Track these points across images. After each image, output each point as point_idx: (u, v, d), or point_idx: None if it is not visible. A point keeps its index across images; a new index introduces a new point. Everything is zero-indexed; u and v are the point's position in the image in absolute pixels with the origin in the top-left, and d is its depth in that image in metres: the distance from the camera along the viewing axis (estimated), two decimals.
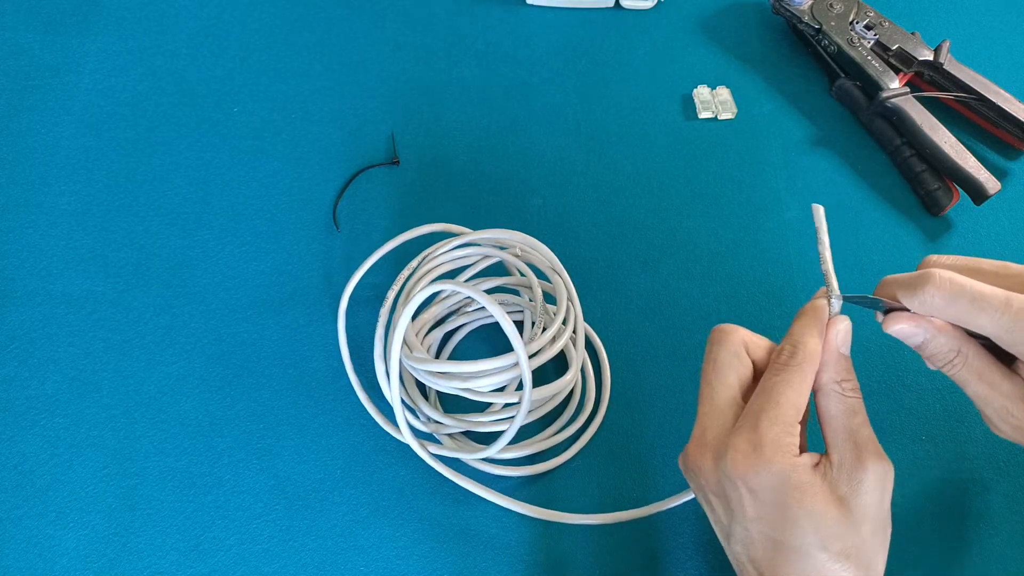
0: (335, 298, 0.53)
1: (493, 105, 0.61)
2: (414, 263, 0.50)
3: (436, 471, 0.47)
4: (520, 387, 0.48)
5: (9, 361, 0.51)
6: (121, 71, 0.62)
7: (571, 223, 0.57)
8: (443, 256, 0.50)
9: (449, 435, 0.49)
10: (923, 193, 0.58)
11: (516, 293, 0.52)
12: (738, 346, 0.38)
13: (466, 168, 0.59)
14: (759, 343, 0.39)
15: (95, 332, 0.52)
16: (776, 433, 0.34)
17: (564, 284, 0.49)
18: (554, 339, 0.46)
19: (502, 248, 0.51)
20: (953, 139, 0.57)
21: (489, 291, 0.52)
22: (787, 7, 0.62)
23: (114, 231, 0.56)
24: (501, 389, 0.48)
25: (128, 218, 0.56)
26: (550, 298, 0.51)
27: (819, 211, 0.38)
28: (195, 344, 0.52)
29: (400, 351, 0.45)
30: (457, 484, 0.47)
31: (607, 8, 0.66)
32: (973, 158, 0.56)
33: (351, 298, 0.52)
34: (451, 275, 0.52)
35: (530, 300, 0.52)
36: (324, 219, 0.57)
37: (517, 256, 0.50)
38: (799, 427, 0.35)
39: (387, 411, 0.50)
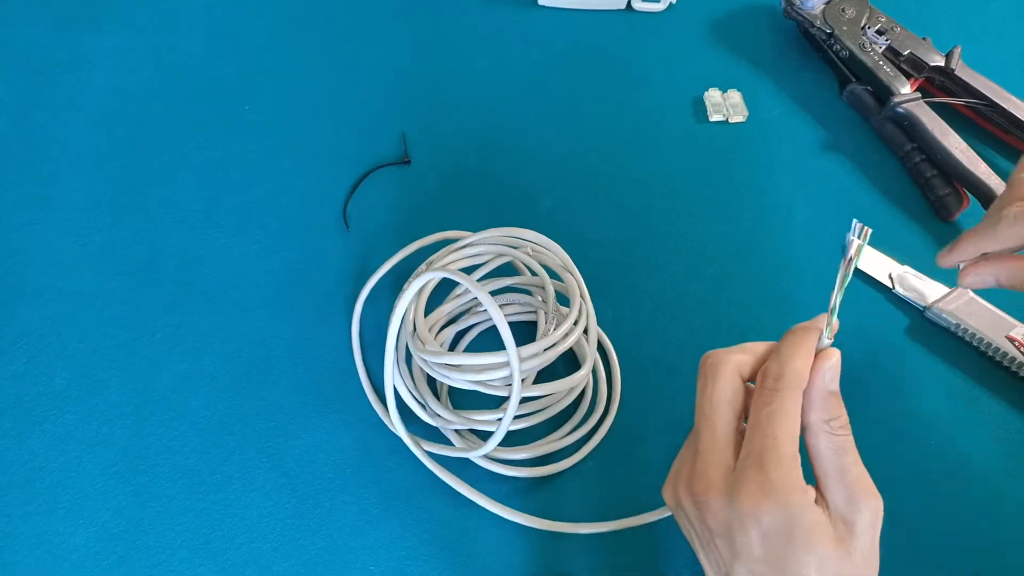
0: (345, 297, 0.53)
1: (504, 106, 0.61)
2: (431, 258, 0.50)
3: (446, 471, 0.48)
4: (536, 381, 0.48)
5: (19, 358, 0.51)
6: (132, 68, 0.62)
7: (581, 225, 0.57)
8: (456, 255, 0.50)
9: (457, 432, 0.49)
10: (933, 198, 0.58)
11: (528, 293, 0.52)
12: (732, 375, 0.37)
13: (477, 168, 0.59)
14: (752, 363, 0.37)
15: (105, 329, 0.52)
16: (783, 472, 0.34)
17: (576, 284, 0.49)
18: (566, 335, 0.46)
19: (514, 247, 0.51)
20: (964, 145, 0.57)
21: (500, 291, 0.52)
22: (799, 11, 0.62)
23: (124, 229, 0.55)
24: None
25: (138, 216, 0.56)
26: (563, 299, 0.51)
27: (862, 234, 0.34)
28: (205, 342, 0.52)
29: (398, 331, 0.45)
30: (457, 489, 0.47)
31: (619, 10, 0.66)
32: (984, 164, 0.56)
33: (359, 299, 0.52)
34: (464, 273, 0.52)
35: (542, 300, 0.52)
36: (335, 218, 0.57)
37: (529, 255, 0.50)
38: (799, 456, 0.35)
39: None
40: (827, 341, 0.36)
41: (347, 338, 0.52)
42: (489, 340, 0.52)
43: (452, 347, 0.52)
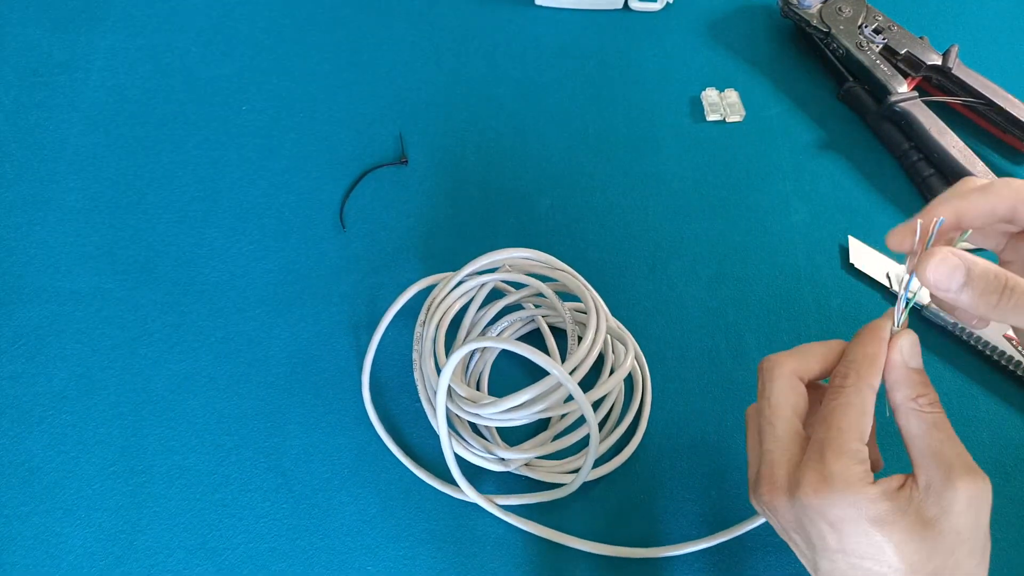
0: (343, 297, 0.53)
1: (502, 106, 0.61)
2: (422, 316, 0.50)
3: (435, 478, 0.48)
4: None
5: (17, 358, 0.51)
6: (130, 68, 0.62)
7: (580, 225, 0.57)
8: (446, 302, 0.50)
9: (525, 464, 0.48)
10: (931, 197, 0.58)
11: (520, 307, 0.52)
12: (789, 376, 0.36)
13: (474, 169, 0.59)
14: (809, 363, 0.37)
15: (103, 329, 0.52)
16: (843, 464, 0.33)
17: (573, 278, 0.48)
18: (596, 329, 0.46)
19: (492, 270, 0.50)
20: (961, 144, 0.57)
21: (501, 314, 0.52)
22: (796, 10, 0.62)
23: (122, 228, 0.55)
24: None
25: (136, 215, 0.56)
26: (567, 296, 0.51)
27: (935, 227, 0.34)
28: (203, 342, 0.52)
29: (446, 420, 0.45)
30: (460, 488, 0.47)
31: (615, 10, 0.66)
32: (981, 163, 0.56)
33: (356, 299, 0.52)
34: (460, 314, 0.51)
35: (535, 307, 0.52)
36: (332, 218, 0.57)
37: (508, 270, 0.50)
38: (866, 450, 0.34)
39: (389, 424, 0.50)
40: (898, 325, 0.35)
41: (344, 338, 0.52)
42: (505, 364, 0.52)
43: (477, 388, 0.51)
